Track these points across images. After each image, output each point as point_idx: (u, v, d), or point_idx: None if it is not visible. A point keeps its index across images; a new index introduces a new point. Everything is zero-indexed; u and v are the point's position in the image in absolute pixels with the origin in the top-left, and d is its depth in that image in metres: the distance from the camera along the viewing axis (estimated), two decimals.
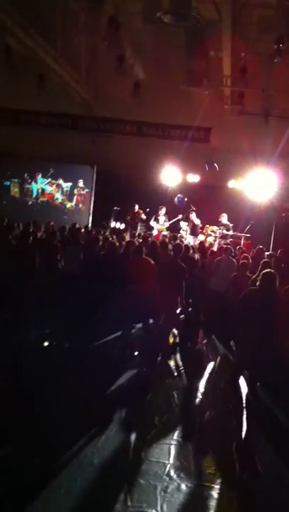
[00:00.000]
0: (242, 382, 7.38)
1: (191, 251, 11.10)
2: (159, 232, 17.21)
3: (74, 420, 5.80)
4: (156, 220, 17.54)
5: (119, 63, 13.51)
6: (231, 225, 16.92)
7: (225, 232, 16.83)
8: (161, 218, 17.59)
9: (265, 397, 7.25)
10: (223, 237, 16.73)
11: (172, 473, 4.92)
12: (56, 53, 14.05)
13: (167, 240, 14.39)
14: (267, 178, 16.31)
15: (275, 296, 6.82)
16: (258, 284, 6.94)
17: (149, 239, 14.01)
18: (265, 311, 6.62)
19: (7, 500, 4.31)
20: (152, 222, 17.50)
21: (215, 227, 17.41)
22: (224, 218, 16.98)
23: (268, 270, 7.10)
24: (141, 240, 13.21)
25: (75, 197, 20.52)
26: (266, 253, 11.88)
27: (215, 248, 14.81)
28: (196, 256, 11.00)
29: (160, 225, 17.50)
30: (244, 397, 7.08)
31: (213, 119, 15.80)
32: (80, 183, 20.32)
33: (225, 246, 11.76)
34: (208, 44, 13.86)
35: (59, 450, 5.12)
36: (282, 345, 6.86)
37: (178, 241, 13.19)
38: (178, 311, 10.44)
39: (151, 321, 9.52)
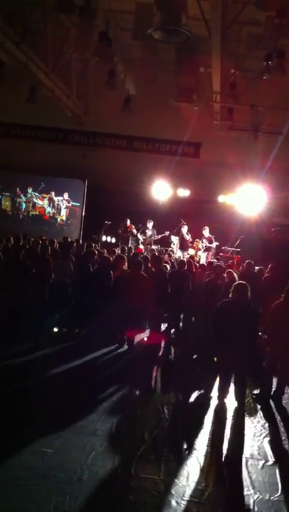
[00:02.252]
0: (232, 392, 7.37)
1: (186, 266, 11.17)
2: (144, 245, 17.22)
3: (63, 435, 5.74)
4: (143, 233, 17.58)
5: (110, 78, 13.64)
6: (213, 236, 17.05)
7: (208, 244, 16.95)
8: (149, 232, 17.61)
9: (254, 409, 7.25)
10: (207, 249, 16.88)
11: (162, 489, 4.87)
12: (47, 68, 14.17)
13: (156, 253, 14.40)
14: (256, 193, 16.42)
15: (247, 306, 6.89)
16: (230, 295, 7.05)
17: (141, 254, 14.03)
18: (239, 320, 6.69)
19: None
20: (138, 235, 17.54)
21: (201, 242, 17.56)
22: (206, 231, 17.14)
23: (240, 282, 7.28)
24: (131, 255, 13.19)
25: (65, 210, 20.52)
26: (255, 268, 11.89)
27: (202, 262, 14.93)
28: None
29: (144, 238, 17.51)
30: (233, 410, 7.06)
31: (202, 134, 15.95)
32: (71, 197, 20.33)
33: (216, 263, 11.78)
34: (198, 60, 14.03)
35: (48, 466, 5.06)
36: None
37: (165, 255, 13.35)
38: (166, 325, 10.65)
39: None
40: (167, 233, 17.60)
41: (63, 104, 16.29)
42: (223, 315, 6.96)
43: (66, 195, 20.36)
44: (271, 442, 6.26)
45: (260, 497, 5.00)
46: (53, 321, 9.81)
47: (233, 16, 11.57)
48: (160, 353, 9.75)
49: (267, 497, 5.00)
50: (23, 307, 9.62)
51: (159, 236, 17.65)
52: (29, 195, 20.64)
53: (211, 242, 17.11)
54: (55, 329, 9.37)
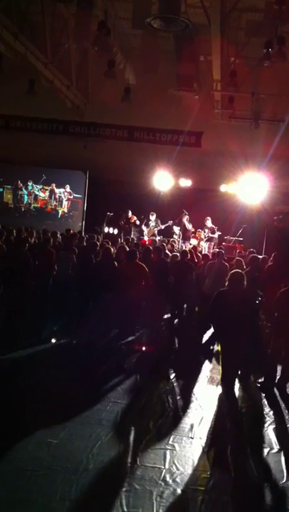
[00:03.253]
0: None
1: (189, 256, 11.15)
2: (149, 236, 17.22)
3: (68, 425, 5.76)
4: (147, 225, 17.59)
5: (110, 68, 13.56)
6: (216, 227, 17.05)
7: (210, 235, 16.95)
8: (152, 223, 17.62)
9: (258, 399, 7.27)
10: (210, 239, 16.88)
11: (168, 478, 4.89)
12: (46, 59, 14.10)
13: (157, 244, 14.40)
14: (258, 182, 16.36)
15: (244, 295, 6.87)
16: (226, 284, 7.02)
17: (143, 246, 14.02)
18: (236, 309, 6.67)
19: (1, 505, 4.27)
20: (143, 227, 17.55)
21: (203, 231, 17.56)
22: (209, 222, 17.13)
23: (235, 270, 7.22)
24: (132, 245, 13.18)
25: (67, 202, 20.49)
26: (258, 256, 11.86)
27: (204, 252, 14.93)
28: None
29: (148, 229, 17.53)
30: (239, 400, 7.08)
31: (203, 123, 15.88)
32: (73, 189, 20.29)
33: (218, 250, 11.80)
34: (198, 49, 13.95)
35: (53, 456, 5.09)
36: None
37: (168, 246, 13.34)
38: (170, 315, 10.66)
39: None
40: (170, 223, 17.60)
41: (63, 95, 16.23)
42: (220, 304, 6.93)
43: (68, 187, 20.33)
44: (276, 430, 6.27)
45: (266, 484, 5.02)
46: (52, 331, 9.76)
47: (232, 3, 11.49)
48: (164, 344, 9.77)
49: (272, 484, 5.02)
50: (24, 302, 9.63)
51: (163, 226, 17.64)
52: (30, 188, 20.61)
53: (213, 232, 17.10)
54: (53, 340, 9.25)
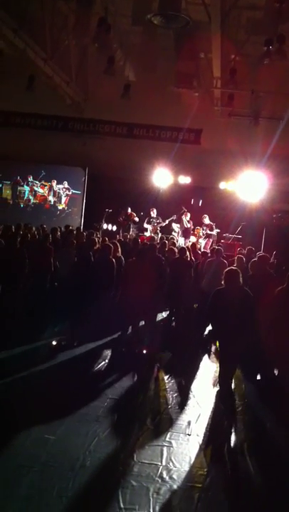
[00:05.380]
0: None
1: (187, 253, 11.15)
2: (153, 233, 17.21)
3: (66, 422, 5.78)
4: (149, 222, 17.58)
5: (109, 65, 13.52)
6: (214, 224, 17.07)
7: (209, 232, 16.97)
8: (154, 220, 17.62)
9: (255, 396, 7.30)
10: (208, 236, 16.91)
11: (164, 474, 4.91)
12: (46, 55, 14.06)
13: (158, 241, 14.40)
14: (257, 180, 16.35)
15: (241, 292, 6.86)
16: (222, 282, 7.01)
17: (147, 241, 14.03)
18: (233, 307, 6.66)
19: None
20: (145, 224, 17.55)
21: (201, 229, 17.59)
22: (206, 219, 17.15)
23: (231, 268, 7.22)
24: (133, 242, 13.17)
25: (66, 199, 20.47)
26: (257, 254, 11.87)
27: (202, 249, 14.96)
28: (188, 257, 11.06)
29: (153, 227, 17.53)
30: (235, 397, 7.10)
31: (203, 121, 15.86)
32: (72, 185, 20.28)
33: (216, 248, 11.81)
34: (198, 46, 13.91)
35: (51, 453, 5.10)
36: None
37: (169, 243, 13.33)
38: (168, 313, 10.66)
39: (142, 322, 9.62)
40: (174, 217, 17.58)
41: (62, 92, 16.18)
42: (218, 303, 6.93)
43: (66, 184, 20.32)
44: (272, 428, 6.30)
45: (263, 481, 5.05)
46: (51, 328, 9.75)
47: (232, 0, 11.46)
48: (162, 340, 9.79)
49: (269, 481, 5.04)
50: (22, 298, 9.66)
51: (167, 221, 17.63)
52: (30, 184, 20.59)
53: (211, 229, 17.12)
54: (54, 342, 9.23)
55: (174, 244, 13.90)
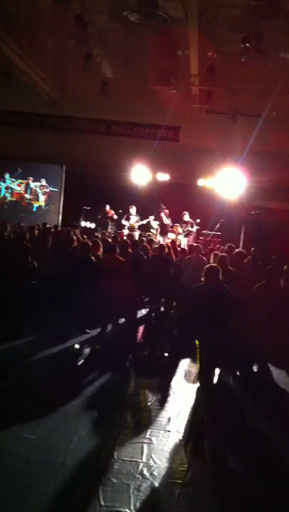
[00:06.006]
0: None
1: (166, 250, 11.17)
2: (129, 230, 17.21)
3: (46, 420, 5.74)
4: (128, 219, 17.57)
5: (87, 62, 13.46)
6: (198, 221, 17.16)
7: (189, 228, 17.05)
8: (133, 217, 17.62)
9: (235, 392, 7.34)
10: (188, 234, 16.97)
11: (145, 471, 4.90)
12: (22, 51, 13.90)
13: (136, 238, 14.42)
14: (236, 177, 16.44)
15: (220, 288, 6.88)
16: (202, 279, 7.03)
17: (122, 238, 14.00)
18: (212, 303, 6.69)
19: None
20: (123, 221, 17.53)
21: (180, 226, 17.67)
22: (186, 216, 17.25)
23: (210, 265, 7.24)
24: (111, 240, 13.15)
25: (43, 196, 20.34)
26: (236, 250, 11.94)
27: (183, 246, 15.00)
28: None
29: (130, 223, 17.53)
30: (215, 392, 7.13)
31: (181, 118, 15.89)
32: (49, 183, 20.16)
33: (195, 244, 11.85)
34: (176, 43, 13.92)
35: (31, 452, 5.07)
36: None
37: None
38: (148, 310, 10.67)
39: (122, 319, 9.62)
40: (152, 218, 17.62)
41: (40, 88, 16.03)
42: (197, 299, 6.95)
43: (44, 181, 20.19)
44: (252, 423, 6.35)
45: (243, 477, 5.08)
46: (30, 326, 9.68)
47: None
48: (142, 338, 9.80)
49: (249, 477, 5.07)
50: None
51: (145, 221, 17.65)
52: (7, 182, 20.39)
53: (192, 226, 17.21)
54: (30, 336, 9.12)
55: (152, 241, 13.93)
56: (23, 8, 13.36)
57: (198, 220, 17.37)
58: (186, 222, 17.27)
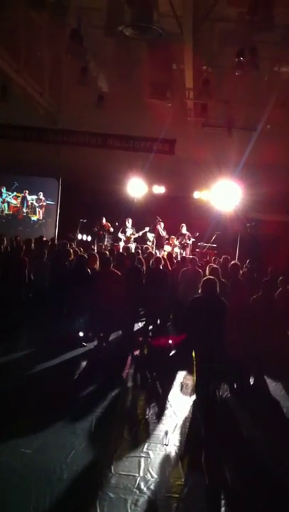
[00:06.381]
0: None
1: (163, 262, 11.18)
2: (125, 243, 17.22)
3: (42, 435, 5.72)
4: (124, 232, 17.59)
5: (83, 76, 13.54)
6: (197, 234, 17.21)
7: (187, 242, 17.10)
8: (129, 230, 17.65)
9: (232, 405, 7.32)
10: (184, 247, 17.02)
11: (142, 486, 4.88)
12: (19, 66, 13.99)
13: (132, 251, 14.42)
14: (231, 189, 16.51)
15: (217, 301, 6.87)
16: (200, 291, 7.02)
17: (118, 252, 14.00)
18: (209, 315, 6.67)
19: None
20: (120, 234, 17.55)
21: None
22: (184, 228, 17.29)
23: (208, 277, 7.22)
24: (108, 252, 13.15)
25: (40, 210, 20.35)
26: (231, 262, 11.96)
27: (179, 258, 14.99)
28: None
29: (126, 236, 17.55)
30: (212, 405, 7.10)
31: (177, 131, 15.97)
32: (46, 196, 20.16)
33: (191, 257, 11.86)
34: (171, 57, 14.01)
35: (27, 467, 5.03)
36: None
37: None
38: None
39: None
40: (147, 229, 17.64)
41: (36, 102, 16.13)
42: (194, 311, 6.93)
43: (41, 195, 20.21)
44: (249, 436, 6.32)
45: (240, 491, 5.05)
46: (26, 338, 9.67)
47: (204, 12, 11.58)
48: (138, 351, 9.78)
49: (246, 490, 5.05)
50: None
51: (141, 233, 17.67)
52: (5, 196, 20.39)
53: (189, 238, 17.27)
54: (26, 348, 9.13)
55: (150, 254, 13.94)
56: (19, 22, 13.47)
57: (197, 234, 17.42)
58: (184, 235, 17.31)
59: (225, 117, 15.68)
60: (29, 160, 17.65)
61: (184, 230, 17.40)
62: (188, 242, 17.25)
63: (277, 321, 7.67)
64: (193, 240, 17.39)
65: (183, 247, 17.24)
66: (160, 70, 14.34)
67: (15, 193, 20.32)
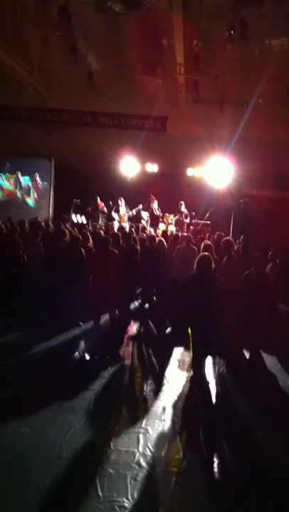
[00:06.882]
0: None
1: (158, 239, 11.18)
2: (119, 222, 17.20)
3: (41, 414, 5.78)
4: (117, 211, 17.55)
5: (72, 54, 13.35)
6: (193, 213, 17.21)
7: (185, 220, 17.10)
8: (122, 209, 17.60)
9: (228, 381, 7.40)
10: (178, 223, 17.03)
11: (141, 461, 4.96)
12: (7, 44, 13.77)
13: (127, 230, 14.41)
14: (224, 165, 16.45)
15: (211, 277, 6.89)
16: (194, 267, 7.02)
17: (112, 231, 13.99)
18: (204, 292, 6.69)
19: None
20: (113, 213, 17.50)
21: (172, 216, 17.69)
22: (182, 206, 17.28)
23: (203, 254, 7.21)
24: (103, 232, 13.14)
25: (33, 191, 20.23)
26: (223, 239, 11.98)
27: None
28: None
29: (120, 215, 17.51)
30: (209, 382, 7.18)
31: (168, 108, 15.85)
32: (38, 177, 20.03)
33: (185, 234, 11.87)
34: (160, 32, 13.84)
35: (27, 446, 5.10)
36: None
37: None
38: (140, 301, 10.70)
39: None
40: (140, 206, 17.59)
41: (25, 82, 15.92)
42: (188, 288, 6.95)
43: (36, 176, 20.06)
44: (245, 411, 6.40)
45: (237, 464, 5.13)
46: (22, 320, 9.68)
47: None
48: (135, 329, 9.84)
49: (244, 464, 5.13)
50: None
51: (134, 211, 17.63)
52: None
53: (186, 217, 17.29)
54: (23, 330, 9.16)
55: (144, 228, 13.95)
56: (6, 0, 13.24)
57: (193, 213, 17.43)
58: (182, 213, 17.30)
59: (216, 93, 15.55)
60: (20, 141, 17.49)
61: (183, 208, 17.39)
62: (185, 220, 17.23)
63: (269, 295, 7.70)
64: (190, 219, 17.40)
65: (179, 224, 17.22)
66: (150, 46, 14.21)
67: (7, 175, 20.17)
